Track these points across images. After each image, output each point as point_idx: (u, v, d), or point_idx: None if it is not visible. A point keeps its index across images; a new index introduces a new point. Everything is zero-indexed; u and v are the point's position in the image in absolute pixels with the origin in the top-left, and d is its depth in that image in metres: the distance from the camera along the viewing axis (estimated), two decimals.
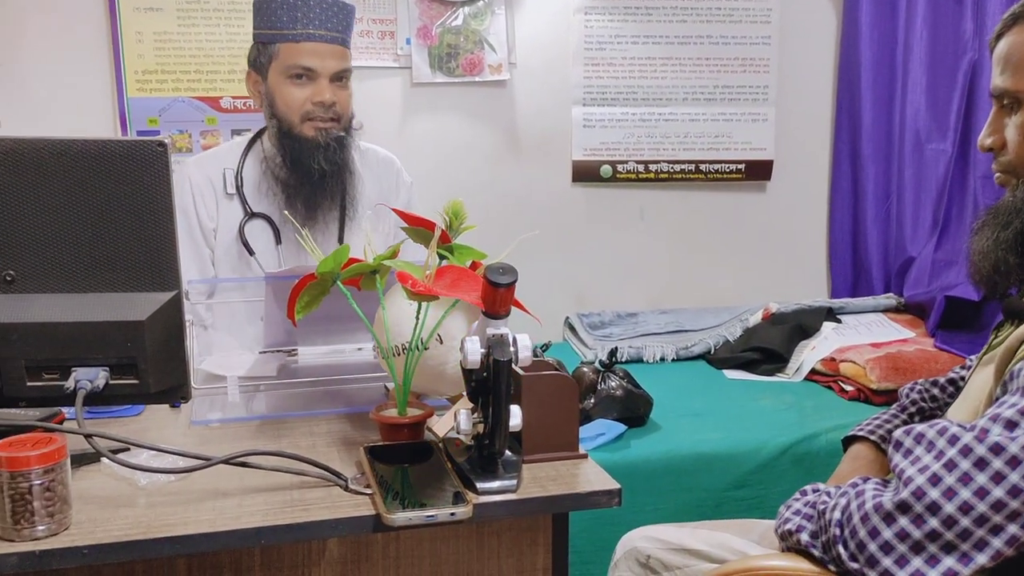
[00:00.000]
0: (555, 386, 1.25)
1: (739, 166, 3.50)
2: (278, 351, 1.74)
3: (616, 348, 2.56)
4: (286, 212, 1.99)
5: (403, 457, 1.24)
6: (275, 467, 1.15)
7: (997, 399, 1.04)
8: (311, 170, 1.97)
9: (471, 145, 3.33)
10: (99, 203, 1.15)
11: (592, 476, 1.22)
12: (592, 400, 2.44)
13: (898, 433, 1.06)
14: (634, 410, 2.45)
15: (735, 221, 3.56)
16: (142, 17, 3.03)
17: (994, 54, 1.23)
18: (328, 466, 1.17)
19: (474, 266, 1.31)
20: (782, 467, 2.34)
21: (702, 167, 3.49)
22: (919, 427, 1.04)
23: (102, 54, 3.04)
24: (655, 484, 2.28)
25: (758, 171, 3.52)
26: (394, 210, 1.37)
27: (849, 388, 2.70)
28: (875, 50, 3.39)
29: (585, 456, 1.28)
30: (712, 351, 3.14)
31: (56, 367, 1.18)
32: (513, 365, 1.14)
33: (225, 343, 1.78)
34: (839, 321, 3.10)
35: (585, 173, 3.42)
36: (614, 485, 1.19)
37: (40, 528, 1.02)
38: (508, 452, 1.20)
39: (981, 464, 0.96)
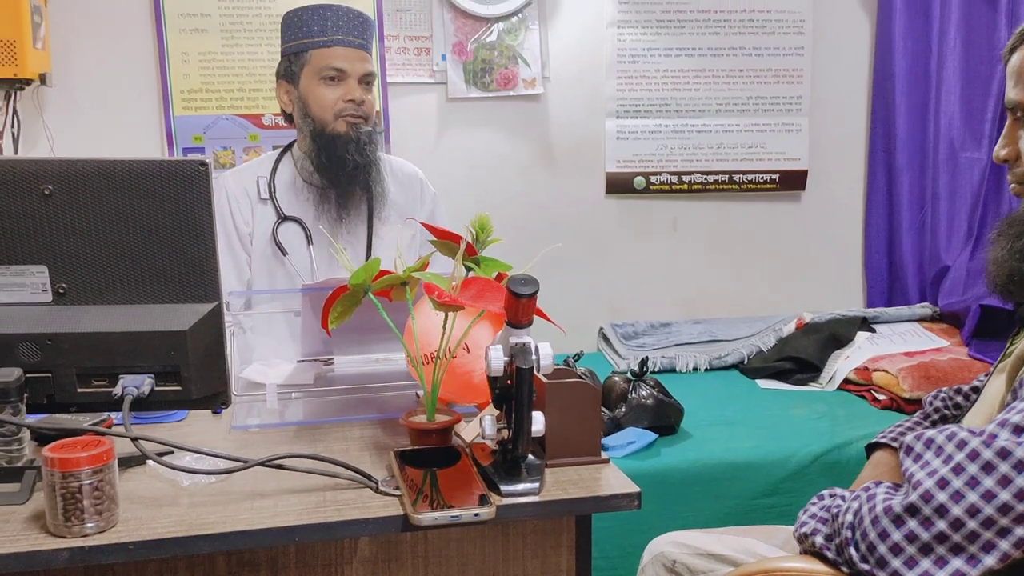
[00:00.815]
0: (578, 394, 1.30)
1: (773, 176, 3.52)
2: (315, 360, 1.80)
3: (647, 358, 2.59)
4: (320, 227, 2.08)
5: (431, 461, 1.29)
6: (309, 469, 1.21)
7: (1008, 405, 1.06)
8: (345, 162, 2.09)
9: (505, 158, 3.38)
10: (145, 220, 1.22)
11: (613, 480, 1.26)
12: (623, 409, 2.48)
13: (909, 439, 1.08)
14: (665, 419, 2.48)
15: (769, 231, 3.57)
16: (187, 38, 3.13)
17: (1008, 68, 1.25)
18: (359, 469, 1.23)
19: (499, 277, 1.36)
20: (812, 475, 2.35)
21: (736, 177, 3.51)
22: (929, 432, 1.07)
23: (150, 74, 3.15)
24: (685, 492, 2.31)
25: (792, 181, 3.53)
26: (423, 224, 1.43)
27: (882, 397, 2.70)
28: (909, 59, 3.39)
29: (607, 461, 1.32)
30: (745, 361, 3.15)
31: (105, 374, 1.25)
32: (536, 373, 1.18)
33: (265, 351, 1.85)
34: (873, 331, 3.10)
35: (619, 185, 3.46)
36: (634, 488, 1.23)
37: (89, 525, 1.09)
38: (531, 456, 1.24)
39: (988, 468, 0.98)
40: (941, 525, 1.00)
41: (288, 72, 2.11)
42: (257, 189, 2.15)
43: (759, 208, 3.56)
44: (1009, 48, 1.25)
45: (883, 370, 2.75)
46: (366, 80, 2.11)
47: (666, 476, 2.31)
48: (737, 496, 2.32)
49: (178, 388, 1.26)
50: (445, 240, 1.36)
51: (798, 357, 2.99)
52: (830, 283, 3.62)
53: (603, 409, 2.45)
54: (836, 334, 3.05)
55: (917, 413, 1.58)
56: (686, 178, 3.48)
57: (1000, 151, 1.27)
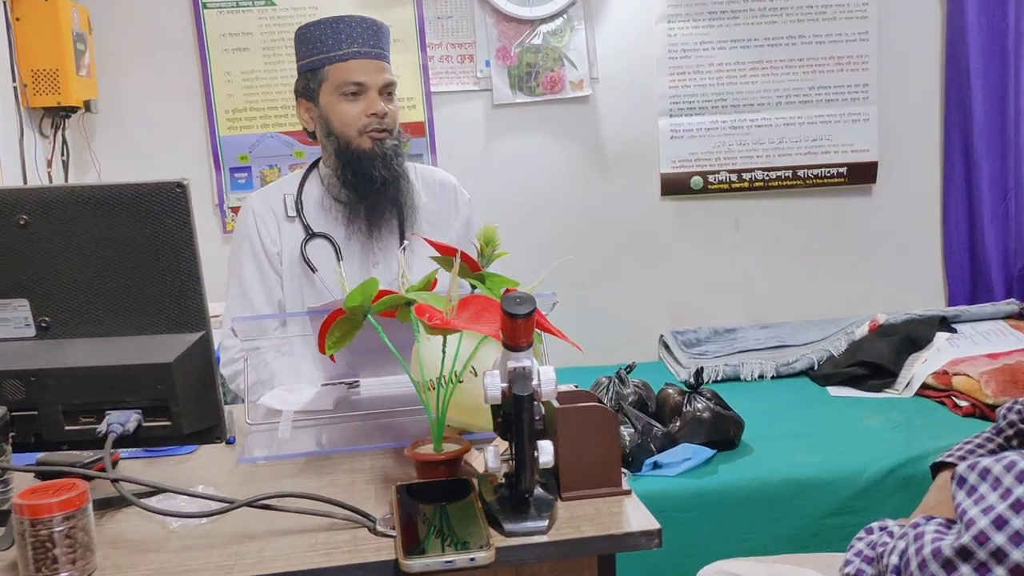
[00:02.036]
0: (592, 419, 1.18)
1: (840, 170, 3.32)
2: (339, 383, 1.73)
3: (702, 368, 2.45)
4: (352, 244, 2.00)
5: (437, 495, 1.19)
6: (300, 509, 1.12)
7: None
8: (372, 178, 2.00)
9: (556, 163, 3.28)
10: (124, 247, 1.16)
11: (632, 515, 1.14)
12: (678, 423, 2.34)
13: (962, 468, 0.94)
14: (723, 433, 2.34)
15: (839, 228, 3.38)
16: (230, 58, 3.12)
17: None
18: (355, 507, 1.14)
19: (507, 292, 1.25)
20: (886, 491, 2.18)
21: (800, 173, 3.33)
22: (985, 461, 0.92)
23: (195, 95, 3.15)
24: (744, 512, 2.16)
25: (862, 174, 3.33)
26: (426, 240, 1.33)
27: (963, 404, 2.50)
28: (984, 37, 3.16)
29: (628, 492, 1.20)
30: (815, 367, 2.98)
31: (92, 411, 1.19)
32: (545, 399, 1.08)
33: (290, 375, 1.79)
34: (954, 331, 2.88)
35: (674, 186, 3.31)
36: (654, 525, 1.11)
37: (63, 575, 1.02)
38: (541, 490, 1.14)
39: None
40: (999, 572, 0.86)
41: (306, 90, 2.04)
42: (284, 207, 2.09)
43: (827, 204, 3.37)
44: None
45: (964, 374, 2.55)
46: (387, 90, 2.03)
47: (724, 495, 2.17)
48: (801, 516, 2.16)
49: (167, 423, 1.19)
50: (447, 256, 1.26)
51: (871, 362, 2.80)
52: (906, 281, 3.39)
53: (656, 424, 2.32)
54: (913, 336, 2.85)
55: (990, 427, 1.42)
56: (746, 176, 3.32)
57: None
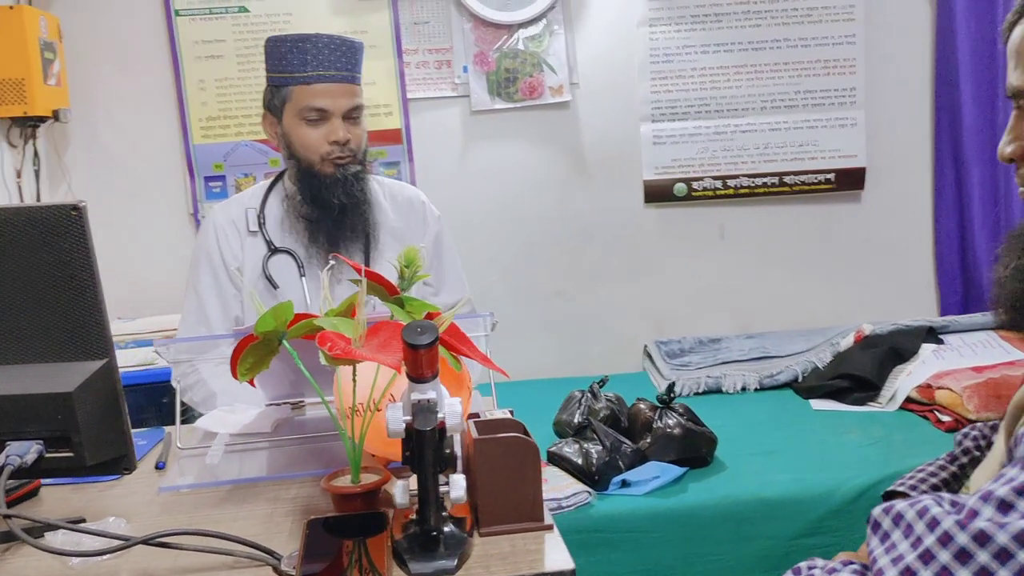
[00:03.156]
0: (512, 450, 1.12)
1: (828, 176, 3.25)
2: (283, 403, 1.67)
3: (674, 383, 2.38)
4: (313, 261, 1.96)
5: (350, 530, 1.13)
6: (197, 547, 1.07)
7: (1000, 471, 0.84)
8: (331, 205, 1.95)
9: (536, 170, 3.22)
10: (20, 272, 1.11)
11: (549, 554, 1.08)
12: (648, 439, 2.28)
13: (876, 511, 0.88)
14: (695, 449, 2.27)
15: (827, 235, 3.31)
16: (203, 65, 3.08)
17: (1008, 47, 1.03)
18: (260, 545, 1.08)
19: (429, 318, 1.20)
20: (860, 511, 2.10)
21: (787, 179, 3.25)
22: (899, 505, 0.86)
23: (168, 103, 3.11)
24: (713, 532, 2.09)
25: (849, 180, 3.25)
26: (345, 260, 1.28)
27: (946, 419, 2.42)
28: (974, 40, 3.09)
29: (550, 527, 1.14)
30: (799, 379, 2.90)
31: None
32: (450, 432, 1.02)
33: (230, 394, 1.73)
34: (941, 342, 2.80)
35: (658, 193, 3.25)
36: (568, 566, 1.05)
37: None
38: (453, 527, 1.08)
39: (963, 557, 0.77)
40: None
41: (271, 104, 1.98)
42: (246, 221, 2.04)
43: (814, 211, 3.29)
44: (1008, 24, 1.03)
45: (947, 388, 2.47)
46: (352, 115, 1.96)
47: (692, 514, 2.10)
48: (772, 536, 2.09)
49: (70, 454, 1.14)
50: (375, 282, 1.21)
51: (854, 374, 2.73)
52: (897, 290, 3.32)
53: (625, 440, 2.25)
54: (898, 347, 2.77)
55: (945, 454, 1.35)
56: (731, 182, 3.25)
57: (1005, 147, 1.05)
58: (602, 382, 2.51)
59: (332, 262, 1.56)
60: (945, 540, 0.79)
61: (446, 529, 1.07)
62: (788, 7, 3.17)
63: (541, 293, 3.28)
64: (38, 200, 2.95)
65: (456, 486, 1.05)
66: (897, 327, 2.88)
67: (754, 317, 3.31)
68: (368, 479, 1.19)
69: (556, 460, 2.26)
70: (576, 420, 2.41)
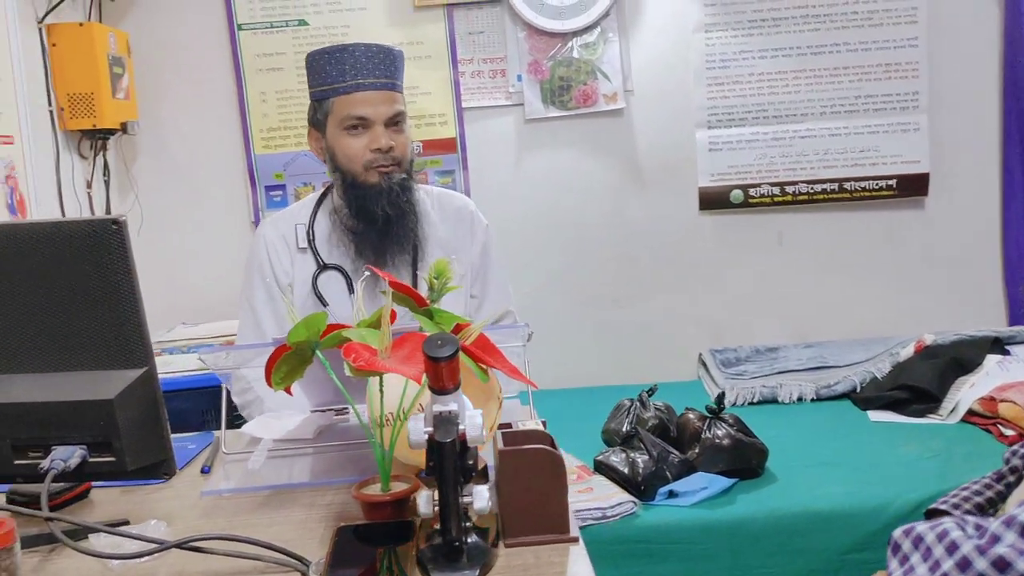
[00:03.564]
0: (536, 461, 1.13)
1: (890, 182, 3.18)
2: (328, 410, 1.71)
3: (723, 393, 2.35)
4: (359, 276, 1.98)
5: (378, 538, 1.16)
6: (228, 552, 1.10)
7: None
8: (376, 216, 1.94)
9: (590, 178, 3.22)
10: (64, 283, 1.16)
11: (572, 567, 1.08)
12: (696, 450, 2.25)
13: (897, 533, 0.86)
14: (744, 461, 2.24)
15: (888, 242, 3.23)
16: (264, 77, 3.16)
17: None
18: (290, 551, 1.11)
19: (457, 329, 1.21)
20: None
21: (847, 185, 3.19)
22: (920, 527, 0.84)
23: (232, 115, 3.20)
24: (761, 545, 2.06)
25: (912, 186, 3.17)
26: (376, 271, 1.30)
27: (1010, 432, 2.35)
28: None
29: (576, 540, 1.14)
30: (857, 389, 2.84)
31: (39, 445, 1.19)
32: (471, 444, 1.03)
33: (277, 400, 1.77)
34: (1007, 353, 2.71)
35: (713, 200, 3.21)
36: None
37: None
38: (477, 537, 1.09)
39: None
40: None
41: (315, 120, 1.99)
42: (296, 237, 2.05)
43: (875, 217, 3.22)
44: None
45: (1010, 401, 2.39)
46: (394, 121, 1.96)
47: (740, 526, 2.08)
48: (822, 550, 2.05)
49: (112, 459, 1.19)
50: (404, 293, 1.23)
51: (914, 385, 2.66)
52: (962, 300, 3.22)
53: (673, 451, 2.24)
54: (960, 358, 2.69)
55: (991, 472, 1.31)
56: (790, 189, 3.20)
57: None
58: (651, 391, 2.50)
59: (367, 273, 1.58)
60: (964, 565, 0.77)
61: (470, 540, 1.08)
62: (848, 11, 3.11)
63: (595, 301, 3.28)
64: (107, 210, 3.06)
65: (479, 497, 1.06)
66: (960, 337, 2.80)
67: (812, 326, 3.25)
68: (398, 488, 1.21)
69: (603, 469, 2.25)
70: (624, 429, 2.40)
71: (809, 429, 2.60)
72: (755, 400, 2.86)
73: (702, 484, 2.17)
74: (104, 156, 3.04)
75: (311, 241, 2.03)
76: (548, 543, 1.14)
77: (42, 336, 1.18)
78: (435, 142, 3.18)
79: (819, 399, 2.86)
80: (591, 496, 2.13)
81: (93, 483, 1.45)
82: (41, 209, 2.55)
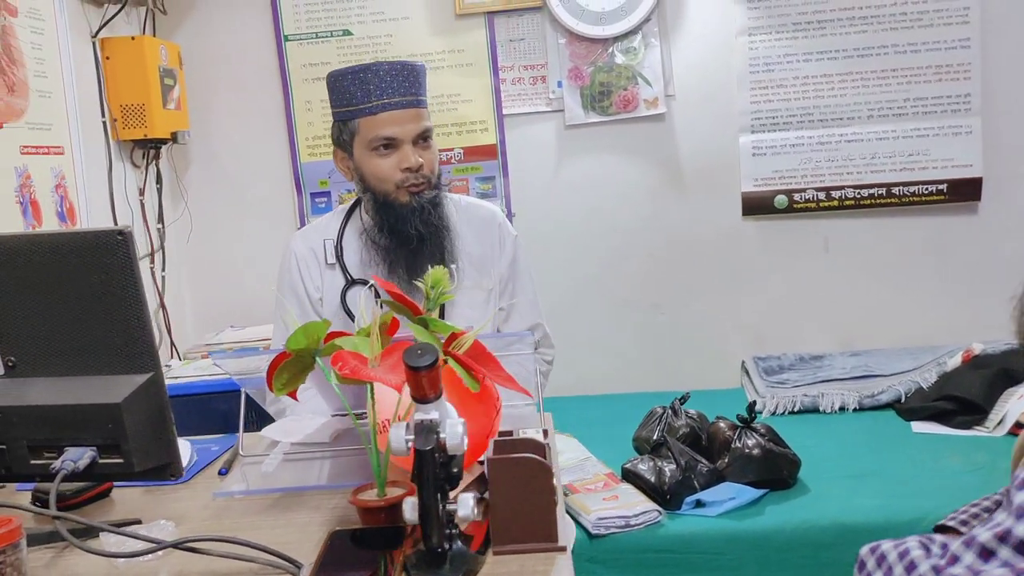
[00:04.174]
0: (524, 470, 1.14)
1: (940, 187, 3.09)
2: (346, 415, 1.74)
3: (755, 402, 2.32)
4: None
5: (370, 543, 1.18)
6: (223, 553, 1.14)
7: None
8: (409, 236, 1.95)
9: (631, 183, 3.21)
10: (74, 291, 1.20)
11: None
12: (726, 459, 2.23)
13: (864, 550, 0.85)
14: (775, 471, 2.21)
15: (939, 248, 3.14)
16: (310, 87, 3.23)
17: None
18: (283, 554, 1.14)
19: (452, 338, 1.23)
20: None
21: (895, 190, 3.12)
22: (885, 545, 0.82)
23: (279, 123, 3.27)
24: (789, 558, 2.03)
25: (964, 191, 3.08)
26: (378, 280, 1.32)
27: None
28: None
29: (563, 549, 1.15)
30: (902, 399, 2.77)
31: (53, 446, 1.25)
32: (451, 452, 1.05)
33: (299, 406, 1.80)
34: None
35: (757, 205, 3.17)
36: None
37: None
38: (461, 544, 1.10)
39: None
40: None
41: (340, 140, 2.00)
42: (324, 252, 2.08)
43: (925, 223, 3.14)
44: None
45: None
46: (423, 138, 1.95)
47: (767, 538, 2.05)
48: (850, 564, 1.99)
49: (120, 460, 1.23)
50: (400, 303, 1.25)
51: (960, 396, 2.58)
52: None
53: (701, 460, 2.22)
54: (1009, 369, 2.61)
55: (1003, 488, 1.27)
56: (836, 194, 3.14)
57: None
58: (683, 399, 2.48)
59: (372, 283, 1.60)
60: None
61: (454, 546, 1.09)
62: (896, 12, 3.04)
63: (636, 306, 3.26)
64: (159, 217, 3.16)
65: (463, 505, 1.08)
66: (1011, 347, 2.71)
67: (859, 334, 3.18)
68: (394, 493, 1.23)
69: (630, 477, 2.24)
70: (654, 437, 2.39)
71: (848, 440, 2.55)
72: (796, 409, 2.82)
73: (730, 494, 2.15)
74: (156, 165, 3.14)
75: (339, 256, 2.05)
76: (536, 551, 1.14)
77: (55, 342, 1.23)
78: (476, 149, 3.20)
79: (862, 409, 2.80)
80: (616, 504, 2.12)
81: (116, 483, 1.51)
82: (92, 216, 2.65)
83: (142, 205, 3.06)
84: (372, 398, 1.16)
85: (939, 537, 0.82)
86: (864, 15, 3.05)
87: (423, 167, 1.94)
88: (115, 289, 1.19)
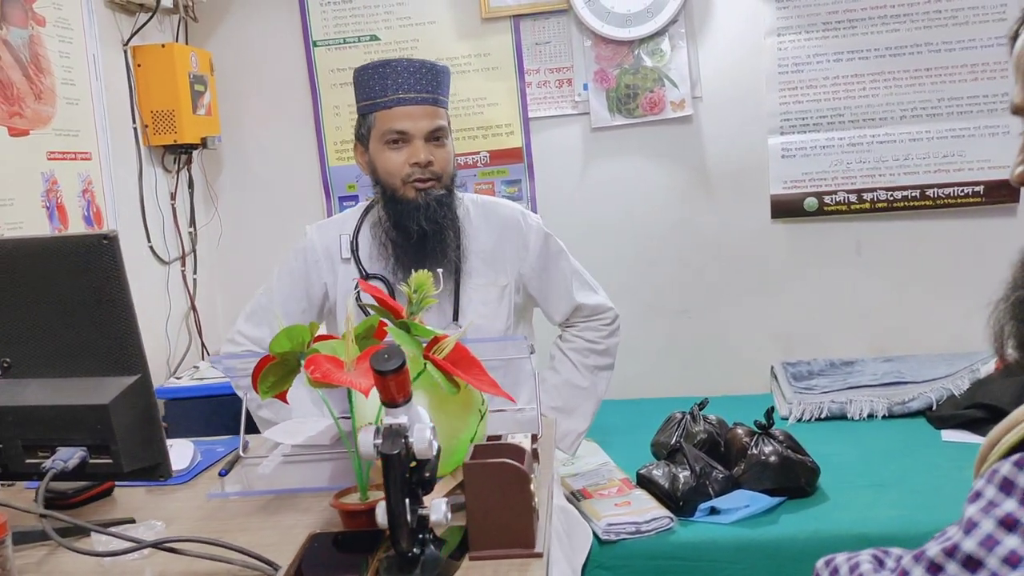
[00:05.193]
0: (500, 475, 1.13)
1: (976, 188, 3.01)
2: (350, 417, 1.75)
3: (773, 408, 2.28)
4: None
5: (349, 547, 1.18)
6: (201, 554, 1.15)
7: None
8: (411, 232, 1.96)
9: (657, 186, 3.18)
10: (63, 294, 1.23)
11: None
12: (742, 466, 2.19)
13: (819, 563, 0.82)
14: (792, 479, 2.17)
15: (975, 252, 3.05)
16: (338, 91, 3.26)
17: (1012, 58, 0.93)
18: (260, 556, 1.15)
19: (433, 342, 1.23)
20: None
21: (929, 192, 3.04)
22: (839, 558, 0.80)
23: (308, 128, 3.31)
24: (802, 568, 1.98)
25: (1002, 193, 2.99)
26: (361, 281, 1.32)
27: None
28: None
29: (539, 555, 1.14)
30: (933, 407, 2.70)
31: (47, 446, 1.27)
32: (420, 457, 1.05)
33: (302, 407, 1.82)
34: None
35: (786, 208, 3.12)
36: None
37: None
38: (433, 548, 1.10)
39: None
40: None
41: (359, 134, 2.03)
42: (340, 247, 2.10)
43: (961, 226, 3.05)
44: (1011, 34, 0.94)
45: None
46: (435, 136, 1.96)
47: (780, 547, 2.02)
48: None
49: (109, 461, 1.25)
50: (383, 305, 1.25)
51: (991, 404, 2.51)
52: None
53: (717, 466, 2.19)
54: None
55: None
56: (867, 196, 3.07)
57: (1015, 168, 0.95)
58: (702, 404, 2.45)
59: (357, 290, 1.60)
60: None
61: (427, 551, 1.09)
62: (930, 10, 2.96)
63: (664, 311, 3.23)
64: (191, 221, 3.22)
65: (435, 510, 1.08)
66: None
67: (892, 339, 3.11)
68: (377, 496, 1.23)
69: (644, 483, 2.22)
70: (672, 442, 2.36)
71: (874, 447, 2.49)
72: (823, 415, 2.76)
73: (744, 502, 2.11)
74: (188, 170, 3.20)
75: (354, 251, 2.07)
76: (512, 557, 1.13)
77: (47, 344, 1.26)
78: (502, 152, 3.20)
79: (892, 416, 2.73)
80: (628, 510, 2.10)
81: (119, 483, 1.54)
82: (121, 220, 2.71)
83: (173, 209, 3.11)
84: (350, 400, 1.16)
85: (896, 551, 0.79)
86: (896, 13, 2.98)
87: (433, 164, 1.95)
88: (103, 293, 1.22)
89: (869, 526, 2.02)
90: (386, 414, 1.06)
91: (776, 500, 2.12)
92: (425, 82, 1.97)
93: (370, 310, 2.01)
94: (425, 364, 1.19)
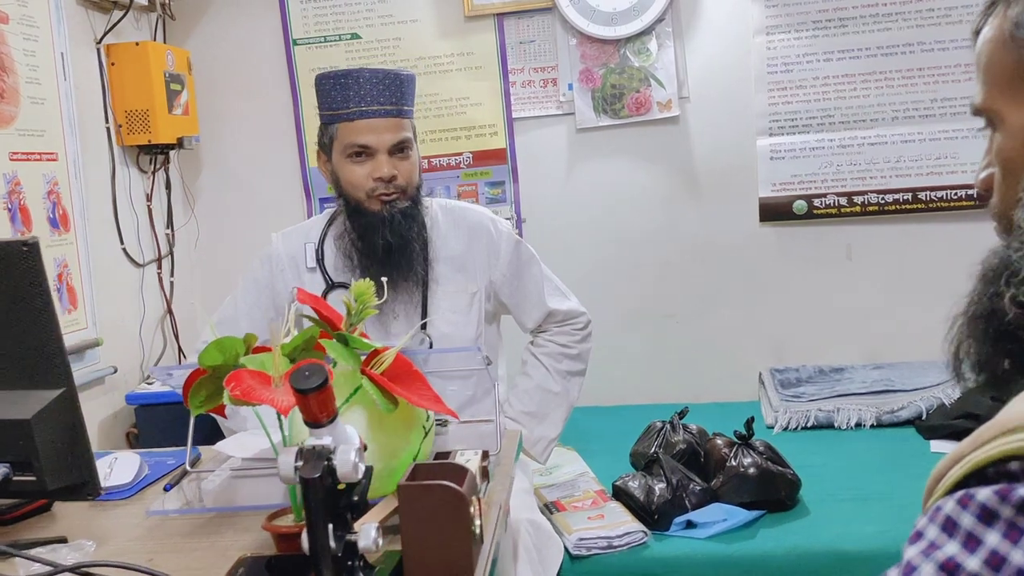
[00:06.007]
0: (437, 498, 1.07)
1: (970, 192, 2.94)
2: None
3: (753, 418, 2.21)
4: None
5: (278, 572, 1.12)
6: None
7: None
8: (376, 246, 1.91)
9: (643, 188, 3.11)
10: None
11: None
12: (720, 478, 2.13)
13: None
14: (772, 492, 2.10)
15: (968, 256, 2.95)
16: None
17: (975, 55, 0.87)
18: None
19: (372, 355, 1.16)
20: None
21: (921, 195, 2.97)
22: None
23: (288, 128, 3.25)
24: None
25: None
26: (301, 293, 1.26)
27: None
28: None
29: None
30: (923, 416, 2.63)
31: None
32: (343, 480, 0.98)
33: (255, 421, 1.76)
34: None
35: (775, 211, 3.05)
36: None
37: None
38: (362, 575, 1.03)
39: None
40: None
41: (322, 143, 1.97)
42: (305, 256, 2.05)
43: (953, 230, 2.98)
44: (974, 30, 0.87)
45: None
46: (399, 149, 1.91)
47: (756, 563, 1.95)
48: None
49: (33, 478, 1.19)
50: (323, 318, 1.19)
51: (980, 414, 2.43)
52: None
53: (694, 478, 2.12)
54: None
55: None
56: (858, 199, 3.00)
57: (979, 174, 0.88)
58: (682, 413, 2.38)
59: (293, 289, 1.54)
60: None
61: None
62: (923, 8, 2.89)
63: (650, 315, 3.16)
64: (168, 222, 3.16)
65: (364, 536, 1.01)
66: None
67: (883, 346, 3.04)
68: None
69: (620, 495, 2.16)
70: (651, 452, 2.30)
71: (860, 458, 2.43)
72: (809, 424, 2.69)
73: (721, 516, 2.05)
74: (166, 170, 3.14)
75: (320, 260, 2.02)
76: None
77: None
78: (485, 153, 3.14)
79: (880, 425, 2.66)
80: (600, 524, 2.04)
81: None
82: (92, 222, 2.65)
83: (149, 210, 3.05)
84: (280, 419, 1.10)
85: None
86: (888, 12, 2.91)
87: (397, 178, 1.91)
88: (23, 302, 1.16)
89: (850, 542, 1.95)
90: (310, 434, 0.99)
91: (754, 514, 2.06)
92: (389, 93, 1.91)
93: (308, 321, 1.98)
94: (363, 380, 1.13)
